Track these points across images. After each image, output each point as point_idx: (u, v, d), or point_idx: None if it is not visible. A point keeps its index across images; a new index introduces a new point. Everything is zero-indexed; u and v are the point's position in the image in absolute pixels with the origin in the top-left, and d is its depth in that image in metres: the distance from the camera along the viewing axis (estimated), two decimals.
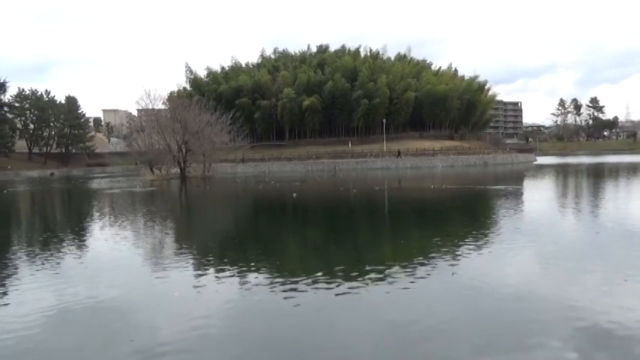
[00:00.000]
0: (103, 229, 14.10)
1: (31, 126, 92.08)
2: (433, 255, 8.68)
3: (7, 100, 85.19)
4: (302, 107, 71.51)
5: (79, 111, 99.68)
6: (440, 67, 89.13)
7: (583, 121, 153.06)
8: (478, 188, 24.66)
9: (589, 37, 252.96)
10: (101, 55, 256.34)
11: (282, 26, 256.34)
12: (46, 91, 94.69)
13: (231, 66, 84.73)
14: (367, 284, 6.90)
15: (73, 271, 8.37)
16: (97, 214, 19.56)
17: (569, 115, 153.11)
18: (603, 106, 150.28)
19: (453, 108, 76.62)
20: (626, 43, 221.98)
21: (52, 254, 9.89)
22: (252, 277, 7.67)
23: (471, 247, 9.32)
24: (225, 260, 9.00)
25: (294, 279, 7.29)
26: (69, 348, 5.08)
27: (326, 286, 6.89)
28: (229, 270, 8.10)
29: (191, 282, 7.48)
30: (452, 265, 7.89)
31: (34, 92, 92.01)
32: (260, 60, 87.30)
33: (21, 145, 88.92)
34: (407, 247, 10.13)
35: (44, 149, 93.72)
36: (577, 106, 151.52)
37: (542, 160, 75.23)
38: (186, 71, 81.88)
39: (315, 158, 63.45)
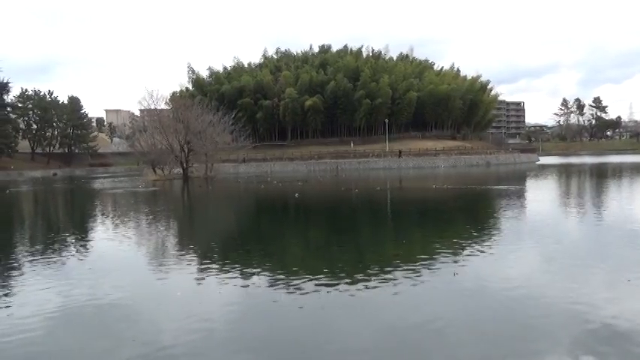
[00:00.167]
0: (106, 230, 14.13)
1: (34, 126, 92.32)
2: (435, 255, 8.67)
3: (10, 101, 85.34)
4: (304, 107, 71.52)
5: (82, 111, 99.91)
6: (442, 67, 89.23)
7: (586, 121, 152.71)
8: (480, 188, 24.62)
9: (591, 36, 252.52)
10: (104, 56, 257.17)
11: (285, 26, 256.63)
12: (49, 91, 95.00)
13: (234, 66, 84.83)
14: (369, 285, 6.90)
15: (76, 271, 8.39)
16: (100, 214, 19.60)
17: (572, 115, 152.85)
18: (606, 106, 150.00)
19: (456, 108, 76.52)
20: (628, 43, 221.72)
21: (55, 255, 9.91)
22: (254, 277, 7.67)
23: (473, 247, 9.31)
24: (228, 260, 9.00)
25: (297, 279, 7.30)
26: (72, 348, 5.09)
27: (328, 286, 6.89)
28: (232, 270, 8.11)
29: (194, 282, 7.49)
30: (454, 265, 7.88)
31: (37, 92, 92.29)
32: (262, 60, 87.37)
33: (24, 146, 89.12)
34: (409, 247, 10.12)
35: (47, 149, 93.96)
36: (580, 106, 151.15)
37: (544, 160, 75.10)
38: (188, 71, 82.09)
39: (317, 158, 63.46)
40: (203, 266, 8.55)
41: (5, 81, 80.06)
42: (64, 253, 10.02)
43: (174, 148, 45.13)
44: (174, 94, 69.54)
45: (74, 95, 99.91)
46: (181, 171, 46.07)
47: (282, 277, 7.57)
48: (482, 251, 8.94)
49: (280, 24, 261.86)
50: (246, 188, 32.34)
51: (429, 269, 7.65)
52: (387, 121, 70.00)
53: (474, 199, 20.34)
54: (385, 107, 72.04)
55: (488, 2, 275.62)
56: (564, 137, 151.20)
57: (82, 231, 14.15)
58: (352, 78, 73.00)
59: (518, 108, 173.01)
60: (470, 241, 9.92)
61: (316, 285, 6.96)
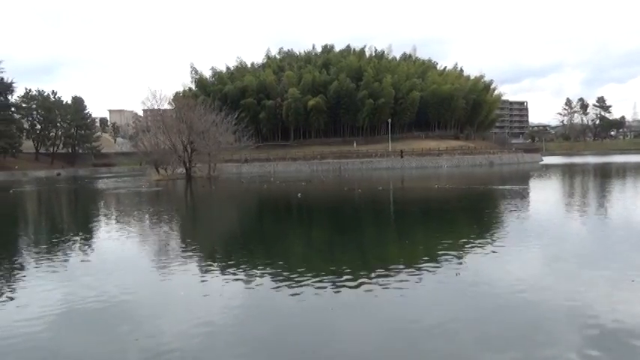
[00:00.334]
0: (109, 229, 14.16)
1: (38, 126, 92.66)
2: (438, 255, 8.65)
3: (14, 101, 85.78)
4: (307, 107, 71.51)
5: (86, 111, 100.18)
6: (445, 67, 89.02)
7: (590, 121, 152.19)
8: (483, 188, 24.56)
9: (596, 36, 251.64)
10: (107, 56, 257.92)
11: (288, 26, 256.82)
12: (53, 91, 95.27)
13: (237, 66, 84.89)
14: (373, 285, 6.88)
15: (79, 271, 8.41)
16: (104, 214, 19.65)
17: (576, 114, 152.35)
18: (610, 106, 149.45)
19: (459, 108, 76.38)
20: (632, 42, 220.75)
21: (58, 255, 9.94)
22: (257, 277, 7.68)
23: (477, 247, 9.29)
24: (231, 260, 9.01)
25: (300, 279, 7.29)
26: (75, 347, 5.10)
27: (331, 286, 6.89)
28: (235, 270, 8.11)
29: (197, 282, 7.49)
30: (457, 266, 7.86)
31: (40, 93, 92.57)
32: (265, 60, 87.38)
33: (28, 146, 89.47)
34: (412, 247, 10.11)
35: (51, 149, 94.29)
36: (584, 106, 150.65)
37: (548, 160, 74.88)
38: (191, 72, 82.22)
39: (320, 158, 63.44)
40: (206, 266, 8.56)
41: (9, 81, 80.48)
42: (67, 253, 10.05)
43: (178, 148, 45.23)
44: (177, 94, 69.75)
45: (78, 95, 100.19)
46: (184, 171, 46.16)
47: (285, 277, 7.56)
48: (485, 251, 8.92)
49: (283, 24, 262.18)
50: (249, 188, 32.37)
51: (432, 270, 7.64)
52: (389, 121, 69.91)
53: (477, 199, 20.29)
54: (388, 107, 71.97)
55: (491, 2, 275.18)
56: (568, 137, 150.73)
57: (85, 231, 14.18)
58: (355, 78, 72.93)
59: (521, 108, 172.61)
60: (473, 242, 9.89)
61: (319, 285, 6.95)
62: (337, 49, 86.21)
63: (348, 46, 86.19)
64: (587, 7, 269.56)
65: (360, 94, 71.34)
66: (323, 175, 44.76)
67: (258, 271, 8.03)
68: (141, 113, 75.16)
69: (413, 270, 7.60)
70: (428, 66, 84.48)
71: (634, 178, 30.04)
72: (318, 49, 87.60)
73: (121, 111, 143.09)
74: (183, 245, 11.20)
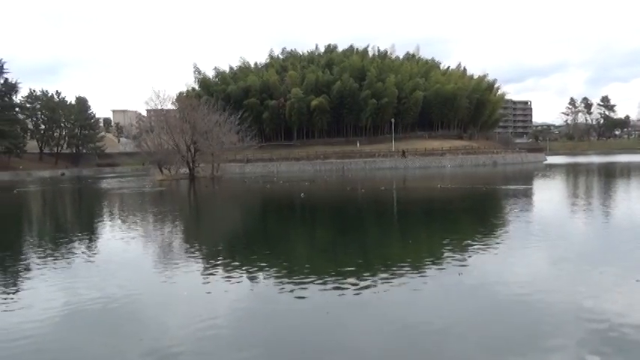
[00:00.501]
0: (113, 230, 14.20)
1: (42, 126, 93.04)
2: (441, 256, 8.64)
3: (18, 101, 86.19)
4: (310, 107, 71.48)
5: (89, 111, 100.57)
6: (449, 67, 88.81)
7: (594, 120, 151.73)
8: (487, 188, 24.51)
9: (599, 35, 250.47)
10: (111, 56, 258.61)
11: (290, 26, 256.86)
12: (57, 91, 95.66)
13: (240, 66, 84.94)
14: (376, 285, 6.88)
15: (83, 271, 8.44)
16: (107, 214, 19.71)
17: (580, 114, 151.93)
18: (614, 105, 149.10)
19: (462, 107, 76.20)
20: (636, 41, 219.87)
21: (62, 255, 9.97)
22: (260, 277, 7.69)
23: (480, 247, 9.27)
24: (235, 260, 9.02)
25: (303, 279, 7.29)
26: (78, 347, 5.12)
27: (335, 286, 6.88)
28: (238, 270, 8.12)
29: (200, 282, 7.51)
30: (461, 266, 7.84)
31: (44, 93, 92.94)
32: (268, 60, 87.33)
33: (32, 146, 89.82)
34: (415, 247, 10.10)
35: (55, 149, 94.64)
36: (588, 105, 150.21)
37: (552, 159, 74.65)
38: (194, 72, 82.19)
39: (323, 158, 63.44)
40: (210, 266, 8.57)
41: (14, 82, 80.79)
42: (71, 254, 10.08)
43: (181, 148, 45.29)
44: (180, 94, 69.71)
45: (82, 96, 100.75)
46: (188, 171, 46.22)
47: (289, 277, 7.57)
48: (489, 252, 8.90)
49: (286, 24, 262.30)
50: (252, 188, 32.40)
51: (436, 270, 7.63)
52: (393, 120, 69.82)
53: (481, 199, 20.25)
54: (391, 107, 71.86)
55: (495, 1, 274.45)
56: (572, 136, 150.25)
57: (89, 231, 14.23)
58: (358, 78, 72.86)
59: (525, 107, 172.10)
60: (477, 242, 9.87)
61: (323, 285, 6.95)
62: (340, 48, 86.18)
63: (351, 46, 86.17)
64: (591, 6, 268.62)
65: (363, 94, 71.28)
66: (326, 175, 44.76)
67: (261, 272, 8.03)
68: (144, 113, 75.23)
69: (416, 270, 7.59)
70: (431, 66, 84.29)
71: (639, 177, 29.91)
72: (321, 49, 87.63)
73: (124, 111, 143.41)
74: (187, 245, 11.22)
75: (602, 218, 13.13)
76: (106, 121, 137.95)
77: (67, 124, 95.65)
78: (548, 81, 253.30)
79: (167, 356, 4.72)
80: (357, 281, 7.06)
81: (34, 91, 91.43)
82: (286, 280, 7.40)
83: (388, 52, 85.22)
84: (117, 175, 64.20)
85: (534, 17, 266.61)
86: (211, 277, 7.81)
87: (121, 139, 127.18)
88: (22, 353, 4.92)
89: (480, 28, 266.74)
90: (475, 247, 9.34)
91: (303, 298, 6.43)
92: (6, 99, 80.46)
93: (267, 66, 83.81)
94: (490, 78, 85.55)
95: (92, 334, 5.47)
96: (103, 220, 17.06)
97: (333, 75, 74.16)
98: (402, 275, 7.33)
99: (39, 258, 9.60)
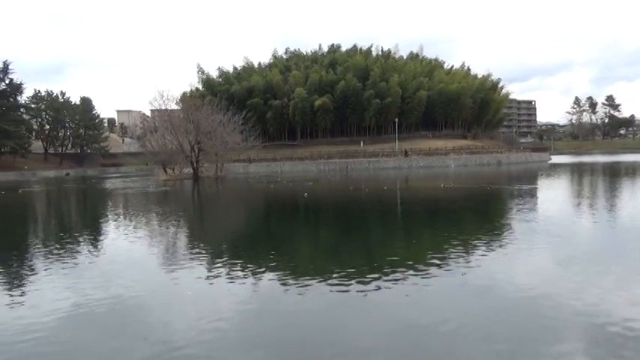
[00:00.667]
0: (117, 230, 14.24)
1: (47, 127, 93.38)
2: (445, 255, 8.61)
3: (23, 102, 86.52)
4: (314, 107, 71.51)
5: (94, 112, 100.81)
6: (452, 66, 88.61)
7: (599, 120, 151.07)
8: (491, 188, 24.44)
9: (604, 34, 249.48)
10: (115, 57, 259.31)
11: (294, 26, 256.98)
12: (62, 92, 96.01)
13: (244, 66, 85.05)
14: (380, 285, 6.87)
15: (88, 271, 8.47)
16: (112, 214, 19.77)
17: (585, 113, 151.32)
18: (619, 104, 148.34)
19: (466, 107, 76.03)
20: None
21: (67, 255, 10.01)
22: (264, 277, 7.70)
23: (484, 247, 9.24)
24: (239, 260, 9.03)
25: (307, 279, 7.30)
26: (84, 347, 5.14)
27: (338, 286, 6.88)
28: (242, 270, 8.14)
29: (204, 282, 7.52)
30: (465, 266, 7.82)
31: (49, 93, 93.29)
32: (272, 60, 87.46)
33: (37, 146, 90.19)
34: (419, 247, 10.08)
35: (60, 149, 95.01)
36: (592, 105, 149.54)
37: (556, 159, 74.37)
38: (198, 72, 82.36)
39: (326, 158, 63.45)
40: (214, 266, 8.58)
41: (19, 82, 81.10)
42: (76, 254, 10.12)
43: (185, 148, 45.40)
44: (184, 94, 69.88)
45: (86, 96, 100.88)
46: (192, 171, 46.32)
47: (292, 277, 7.58)
48: (493, 251, 8.87)
49: (290, 24, 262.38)
50: (256, 188, 32.44)
51: (440, 270, 7.61)
52: (396, 120, 69.77)
53: (485, 199, 20.20)
54: (395, 106, 71.79)
55: (499, 0, 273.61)
56: (576, 136, 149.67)
57: (94, 231, 14.29)
58: (362, 77, 72.83)
59: (529, 107, 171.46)
60: (480, 241, 9.85)
61: (326, 285, 6.95)
62: (344, 48, 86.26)
63: (355, 46, 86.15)
64: (596, 5, 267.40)
65: (367, 94, 71.24)
66: (330, 175, 44.77)
67: (265, 272, 8.04)
68: (148, 113, 75.63)
69: (420, 270, 7.57)
70: (435, 65, 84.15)
71: None
72: (325, 49, 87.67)
73: (128, 111, 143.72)
74: (192, 246, 11.25)
75: (607, 218, 13.06)
76: (111, 121, 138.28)
77: (71, 125, 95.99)
78: (552, 80, 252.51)
79: (172, 356, 4.73)
80: (362, 281, 7.06)
81: (38, 91, 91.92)
82: (291, 280, 7.40)
83: (392, 52, 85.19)
84: (121, 175, 64.41)
85: (539, 16, 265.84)
86: (216, 277, 7.82)
87: (125, 139, 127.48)
88: (28, 353, 4.95)
89: (484, 27, 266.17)
90: (480, 247, 9.31)
91: (308, 298, 6.43)
92: (11, 99, 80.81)
93: (270, 66, 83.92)
94: (494, 77, 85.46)
95: (97, 334, 5.49)
96: (108, 221, 17.12)
97: (336, 75, 74.17)
98: (406, 275, 7.32)
99: (44, 258, 9.64)
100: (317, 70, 75.39)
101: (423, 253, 9.27)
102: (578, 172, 38.78)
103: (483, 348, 4.73)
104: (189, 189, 34.51)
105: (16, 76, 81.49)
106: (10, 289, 7.38)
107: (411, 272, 7.48)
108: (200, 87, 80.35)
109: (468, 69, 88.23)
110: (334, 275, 7.48)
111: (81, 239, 12.29)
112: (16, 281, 7.96)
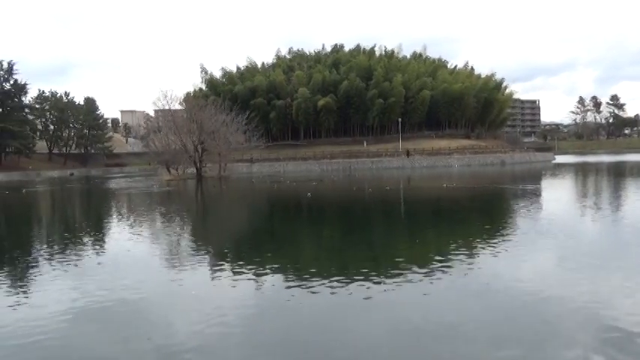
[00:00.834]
0: (121, 230, 14.28)
1: (51, 127, 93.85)
2: (449, 255, 8.58)
3: (28, 102, 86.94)
4: (317, 107, 71.48)
5: (98, 112, 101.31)
6: (456, 66, 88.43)
7: (603, 119, 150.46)
8: (494, 187, 24.37)
9: (609, 33, 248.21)
10: (119, 57, 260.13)
11: (297, 26, 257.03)
12: (66, 92, 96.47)
13: (247, 66, 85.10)
14: (383, 285, 6.86)
15: (92, 271, 8.49)
16: (116, 214, 19.82)
17: (589, 113, 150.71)
18: (624, 104, 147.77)
19: (470, 107, 75.82)
20: None
21: (71, 254, 10.04)
22: (268, 277, 7.70)
23: (488, 247, 9.21)
24: (242, 260, 9.04)
25: (311, 279, 7.29)
26: (87, 347, 5.15)
27: (341, 287, 6.87)
28: (246, 270, 8.14)
29: (208, 281, 7.53)
30: (468, 265, 7.80)
31: (53, 94, 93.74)
32: (275, 60, 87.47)
33: (41, 146, 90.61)
34: (422, 246, 10.06)
35: (64, 150, 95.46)
36: (597, 104, 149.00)
37: (560, 159, 74.11)
38: (201, 72, 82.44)
39: (330, 158, 63.42)
40: (217, 266, 8.59)
41: (23, 83, 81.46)
42: (80, 254, 10.15)
43: (188, 148, 45.49)
44: (188, 94, 69.97)
45: (90, 96, 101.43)
46: (195, 171, 46.40)
47: (296, 277, 7.57)
48: (498, 251, 8.84)
49: (293, 24, 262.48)
50: (259, 188, 32.45)
51: (443, 270, 7.59)
52: (400, 120, 69.67)
53: (488, 199, 20.15)
54: (398, 106, 71.67)
55: (502, 0, 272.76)
56: (581, 136, 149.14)
57: (97, 231, 14.32)
58: (365, 77, 72.75)
59: (533, 106, 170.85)
60: (484, 242, 9.82)
61: (330, 285, 6.94)
62: (347, 48, 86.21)
63: (358, 46, 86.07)
64: (601, 4, 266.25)
65: (370, 94, 71.16)
66: (333, 175, 44.75)
67: (268, 271, 8.05)
68: (152, 113, 75.63)
69: (424, 270, 7.56)
70: (438, 65, 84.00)
71: None
72: (328, 49, 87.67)
73: (132, 111, 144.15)
74: (195, 245, 11.26)
75: (611, 217, 13.00)
76: (114, 121, 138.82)
77: (75, 125, 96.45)
78: (556, 80, 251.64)
79: (175, 355, 4.74)
80: (365, 281, 7.04)
81: (43, 91, 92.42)
82: (294, 280, 7.40)
83: (395, 52, 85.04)
84: (125, 175, 64.57)
85: (543, 15, 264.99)
86: (219, 276, 7.83)
87: (128, 139, 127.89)
88: (32, 352, 4.96)
89: (488, 26, 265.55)
90: (483, 246, 9.29)
91: (311, 298, 6.42)
92: (16, 100, 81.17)
93: (274, 66, 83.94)
94: (498, 77, 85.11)
95: (101, 333, 5.50)
96: (112, 220, 17.16)
97: (339, 75, 74.12)
98: (409, 276, 7.30)
99: (48, 258, 9.67)
100: (320, 70, 75.37)
101: (427, 253, 9.26)
102: (582, 172, 38.63)
103: (488, 348, 4.71)
104: (193, 189, 34.57)
105: (20, 77, 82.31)
106: (14, 290, 7.40)
107: (415, 272, 7.46)
108: (203, 87, 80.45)
109: (472, 69, 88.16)
110: (337, 275, 7.47)
111: (85, 239, 12.33)
112: (20, 282, 7.98)
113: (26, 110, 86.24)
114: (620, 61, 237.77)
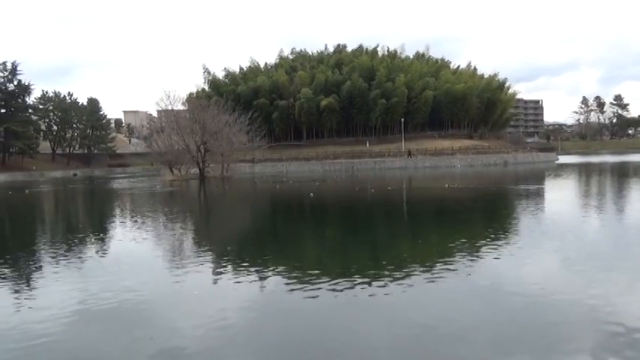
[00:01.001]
0: (124, 230, 14.30)
1: (55, 127, 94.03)
2: (452, 256, 8.58)
3: (31, 103, 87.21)
4: (320, 107, 71.51)
5: (101, 112, 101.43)
6: (459, 66, 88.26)
7: (606, 120, 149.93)
8: (497, 188, 24.32)
9: (612, 33, 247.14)
10: (122, 58, 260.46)
11: (300, 26, 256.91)
12: (69, 93, 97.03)
13: (249, 66, 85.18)
14: (386, 286, 6.85)
15: (95, 271, 8.50)
16: (119, 214, 19.86)
17: (592, 113, 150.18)
18: (627, 104, 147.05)
19: (472, 107, 75.71)
20: None
21: (74, 255, 10.06)
22: (270, 277, 7.70)
23: (491, 248, 9.19)
24: (245, 260, 9.04)
25: (313, 279, 7.28)
26: (91, 347, 5.16)
27: (344, 287, 6.87)
28: (248, 270, 8.14)
29: (210, 281, 7.54)
30: (470, 266, 7.78)
31: (57, 94, 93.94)
32: (278, 60, 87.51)
33: (45, 147, 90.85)
34: (425, 247, 10.04)
35: (67, 150, 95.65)
36: (600, 104, 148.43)
37: (564, 159, 73.89)
38: (204, 72, 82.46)
39: (332, 158, 63.41)
40: (220, 266, 8.60)
41: (27, 83, 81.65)
42: (83, 254, 10.18)
43: (191, 148, 45.54)
44: (190, 94, 70.03)
45: (93, 97, 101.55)
46: (198, 171, 46.46)
47: (298, 277, 7.57)
48: (500, 252, 8.82)
49: (295, 24, 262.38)
50: (262, 188, 32.48)
51: (446, 271, 7.57)
52: (403, 120, 69.61)
53: (491, 199, 20.10)
54: (401, 106, 71.62)
55: (505, 0, 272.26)
56: (584, 136, 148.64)
57: (101, 231, 14.35)
58: (368, 77, 72.74)
59: (536, 106, 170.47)
60: (487, 242, 9.79)
61: (332, 285, 6.94)
62: (350, 48, 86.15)
63: (361, 46, 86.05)
64: (604, 4, 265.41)
65: (373, 94, 71.14)
66: (336, 175, 44.75)
67: (271, 272, 8.05)
68: (155, 114, 75.72)
69: (427, 271, 7.55)
70: (441, 65, 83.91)
71: None
72: (331, 49, 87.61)
73: (135, 112, 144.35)
74: (197, 245, 11.28)
75: (615, 218, 12.96)
76: (118, 121, 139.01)
77: (79, 125, 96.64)
78: (559, 80, 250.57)
79: (178, 356, 4.74)
80: (367, 282, 7.03)
81: (46, 92, 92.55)
82: (296, 280, 7.40)
83: (398, 52, 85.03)
84: (128, 176, 64.72)
85: (545, 15, 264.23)
86: (222, 277, 7.84)
87: (132, 139, 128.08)
88: (36, 352, 4.97)
89: (490, 26, 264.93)
90: (486, 247, 9.26)
91: (314, 298, 6.42)
92: (19, 100, 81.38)
93: (276, 66, 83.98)
94: (501, 77, 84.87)
95: (104, 333, 5.51)
96: (115, 221, 17.19)
97: (342, 75, 74.13)
98: (412, 276, 7.29)
99: (52, 259, 9.70)
100: (323, 70, 75.38)
101: (429, 253, 9.24)
102: (585, 172, 38.51)
103: (491, 350, 4.70)
104: (196, 189, 34.61)
105: (24, 78, 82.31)
106: (19, 290, 7.42)
107: (418, 273, 7.45)
108: (206, 87, 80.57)
109: (475, 69, 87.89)
110: (340, 276, 7.46)
111: (88, 240, 12.35)
112: (23, 282, 8.00)
113: (30, 111, 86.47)
114: (624, 60, 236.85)
